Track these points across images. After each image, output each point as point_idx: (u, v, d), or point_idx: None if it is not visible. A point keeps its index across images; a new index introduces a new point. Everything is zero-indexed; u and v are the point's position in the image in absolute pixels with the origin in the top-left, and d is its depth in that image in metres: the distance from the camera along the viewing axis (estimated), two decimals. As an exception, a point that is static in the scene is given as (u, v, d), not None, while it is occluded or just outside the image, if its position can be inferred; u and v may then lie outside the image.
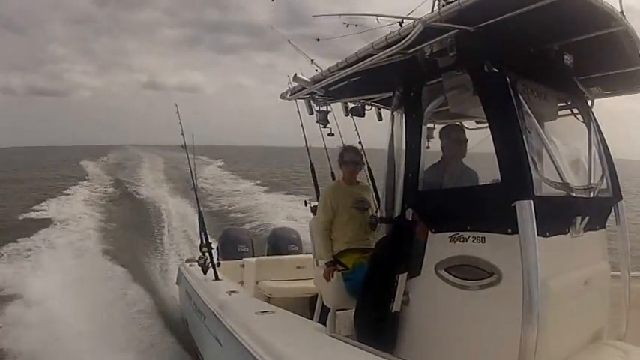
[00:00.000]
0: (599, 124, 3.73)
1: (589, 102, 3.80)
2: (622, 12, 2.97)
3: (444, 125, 4.00)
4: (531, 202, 2.60)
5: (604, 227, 3.57)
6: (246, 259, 6.77)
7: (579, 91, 3.70)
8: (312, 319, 4.43)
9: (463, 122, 4.20)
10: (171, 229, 14.30)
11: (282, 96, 4.66)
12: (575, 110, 3.67)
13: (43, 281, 8.47)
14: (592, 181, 3.42)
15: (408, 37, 2.85)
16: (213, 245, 6.37)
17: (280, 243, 7.28)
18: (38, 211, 16.60)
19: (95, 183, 25.97)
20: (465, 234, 2.95)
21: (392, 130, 3.57)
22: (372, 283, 3.46)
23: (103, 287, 8.04)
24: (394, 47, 2.97)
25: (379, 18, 3.30)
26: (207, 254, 5.86)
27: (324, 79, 3.83)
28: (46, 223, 14.25)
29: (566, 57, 3.34)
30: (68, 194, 20.83)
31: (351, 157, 4.39)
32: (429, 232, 3.17)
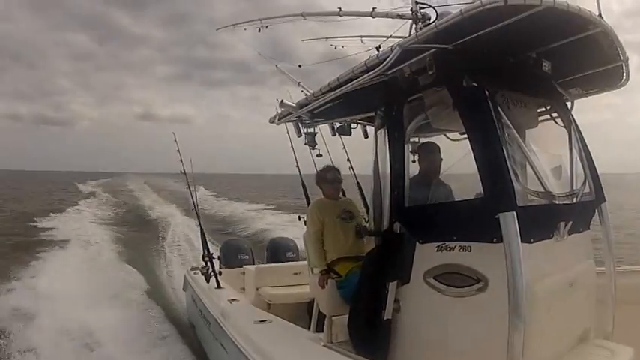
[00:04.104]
0: (579, 127, 3.75)
1: (569, 105, 3.82)
2: (600, 14, 2.98)
3: (422, 143, 4.10)
4: (514, 213, 2.64)
5: (588, 228, 3.61)
6: (247, 266, 6.94)
7: (559, 94, 3.72)
8: (310, 323, 4.56)
9: (448, 133, 4.22)
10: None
11: (271, 121, 4.77)
12: (555, 115, 3.70)
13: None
14: (574, 187, 3.46)
15: (386, 61, 2.93)
16: (216, 255, 6.81)
17: (279, 251, 7.49)
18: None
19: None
20: (452, 243, 3.01)
21: (376, 149, 3.64)
22: (364, 293, 3.53)
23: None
24: (373, 72, 3.05)
25: (363, 39, 3.37)
26: (209, 264, 6.25)
27: (308, 103, 3.95)
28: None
29: (544, 64, 3.37)
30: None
31: (334, 176, 4.58)
32: (417, 242, 3.23)
